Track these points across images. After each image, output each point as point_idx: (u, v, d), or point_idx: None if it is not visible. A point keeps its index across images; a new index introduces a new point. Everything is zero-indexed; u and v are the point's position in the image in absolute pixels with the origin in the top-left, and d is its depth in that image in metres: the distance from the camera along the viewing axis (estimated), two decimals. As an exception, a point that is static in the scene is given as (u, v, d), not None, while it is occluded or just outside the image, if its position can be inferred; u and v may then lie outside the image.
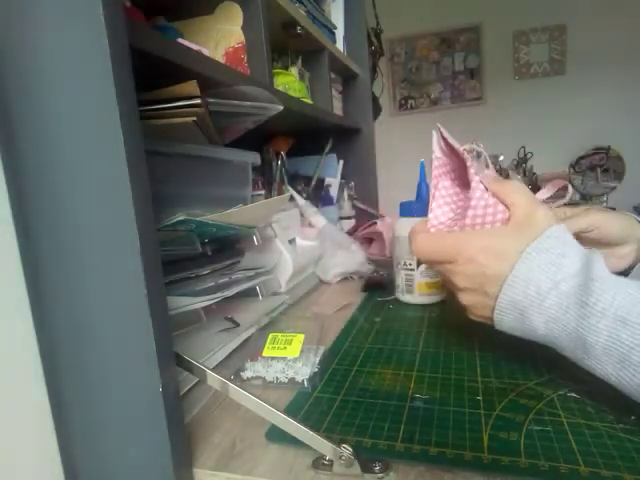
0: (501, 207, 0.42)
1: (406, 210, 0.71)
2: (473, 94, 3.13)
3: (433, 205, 0.45)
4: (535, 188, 2.87)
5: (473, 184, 0.42)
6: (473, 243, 0.40)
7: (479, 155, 0.55)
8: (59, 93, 0.30)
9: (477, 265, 0.40)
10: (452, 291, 0.45)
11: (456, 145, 0.45)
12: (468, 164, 0.42)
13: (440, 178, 0.46)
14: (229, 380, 0.36)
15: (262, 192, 0.86)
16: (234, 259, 0.64)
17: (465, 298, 0.43)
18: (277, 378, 0.47)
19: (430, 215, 0.45)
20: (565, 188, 0.53)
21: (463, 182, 0.46)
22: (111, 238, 0.31)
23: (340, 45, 1.17)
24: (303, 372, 0.47)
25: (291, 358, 0.49)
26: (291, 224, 0.83)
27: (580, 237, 0.47)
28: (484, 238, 0.40)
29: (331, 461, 0.33)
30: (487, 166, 0.55)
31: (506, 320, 0.39)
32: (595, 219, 0.49)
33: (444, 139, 0.47)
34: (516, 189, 0.41)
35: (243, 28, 0.69)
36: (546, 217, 0.39)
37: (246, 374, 0.48)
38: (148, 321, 0.31)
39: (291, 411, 0.41)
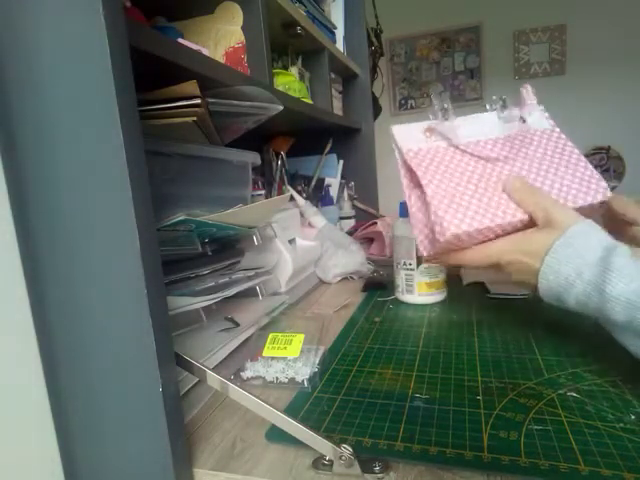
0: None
1: (406, 210, 0.71)
2: (473, 94, 3.14)
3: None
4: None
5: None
6: (508, 249, 0.45)
7: (444, 111, 0.54)
8: (59, 93, 0.30)
9: (518, 264, 0.45)
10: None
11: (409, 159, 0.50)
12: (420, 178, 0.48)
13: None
14: (229, 380, 0.36)
15: (262, 192, 0.86)
16: (234, 259, 0.64)
17: (516, 279, 0.47)
18: (277, 378, 0.47)
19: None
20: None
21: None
22: (111, 238, 0.31)
23: (340, 45, 1.17)
24: (303, 372, 0.47)
25: (291, 358, 0.49)
26: (291, 224, 0.83)
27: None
28: (515, 244, 0.45)
29: (331, 461, 0.33)
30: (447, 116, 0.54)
31: (546, 299, 0.44)
32: None
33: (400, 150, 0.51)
34: (535, 197, 0.45)
35: (243, 28, 0.69)
36: (567, 217, 0.43)
37: (246, 374, 0.48)
38: (148, 321, 0.31)
39: (291, 411, 0.41)
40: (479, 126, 0.54)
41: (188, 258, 0.56)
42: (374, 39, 1.44)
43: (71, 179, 0.31)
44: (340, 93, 1.23)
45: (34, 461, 0.37)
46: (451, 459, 0.33)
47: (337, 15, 1.17)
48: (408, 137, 0.53)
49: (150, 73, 0.44)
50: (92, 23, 0.28)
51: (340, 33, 1.17)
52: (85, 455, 0.37)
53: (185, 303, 0.48)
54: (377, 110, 1.47)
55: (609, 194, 0.48)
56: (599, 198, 0.47)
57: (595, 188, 0.48)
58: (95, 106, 0.30)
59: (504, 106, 0.55)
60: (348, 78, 1.27)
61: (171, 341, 0.35)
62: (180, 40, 0.53)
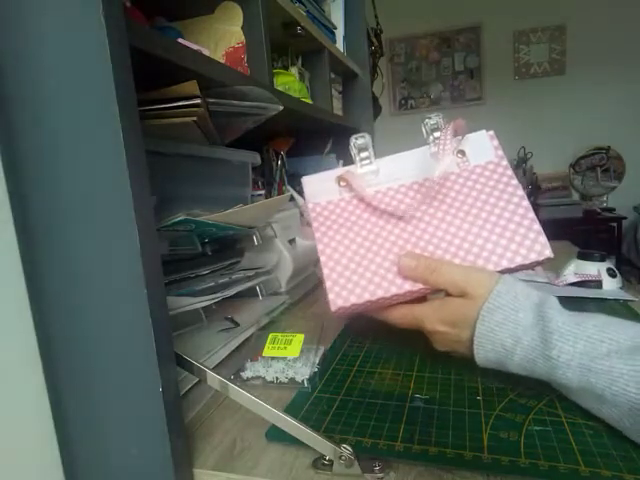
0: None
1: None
2: (473, 94, 3.14)
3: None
4: (535, 188, 2.88)
5: None
6: (429, 317, 0.43)
7: (434, 129, 0.49)
8: (59, 93, 0.30)
9: (441, 334, 0.43)
10: None
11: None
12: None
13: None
14: (229, 380, 0.36)
15: (262, 192, 0.86)
16: (234, 259, 0.64)
17: (441, 349, 0.45)
18: (277, 378, 0.47)
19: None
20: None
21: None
22: (111, 238, 0.31)
23: (340, 45, 1.17)
24: (303, 372, 0.47)
25: (291, 358, 0.49)
26: (291, 224, 0.83)
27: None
28: (435, 312, 0.42)
29: (331, 461, 0.33)
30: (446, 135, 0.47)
31: (485, 366, 0.41)
32: None
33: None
34: (437, 275, 0.42)
35: (243, 28, 0.69)
36: (482, 283, 0.40)
37: (246, 374, 0.48)
38: (148, 321, 0.31)
39: (291, 411, 0.41)
40: (403, 166, 0.50)
41: (188, 258, 0.56)
42: (374, 39, 1.44)
43: (71, 179, 0.31)
44: (340, 93, 1.23)
45: (34, 461, 0.37)
46: (451, 459, 0.33)
47: (337, 15, 1.17)
48: (319, 189, 0.50)
49: (150, 73, 0.44)
50: (92, 23, 0.28)
51: (340, 33, 1.17)
52: (85, 455, 0.37)
53: (185, 303, 0.48)
54: (377, 110, 1.47)
55: (547, 253, 0.42)
56: (531, 258, 0.42)
57: (529, 245, 0.42)
58: (95, 106, 0.30)
59: (436, 131, 0.49)
60: (348, 78, 1.27)
61: (171, 341, 0.35)
62: (180, 40, 0.53)
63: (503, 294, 0.39)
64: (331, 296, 0.44)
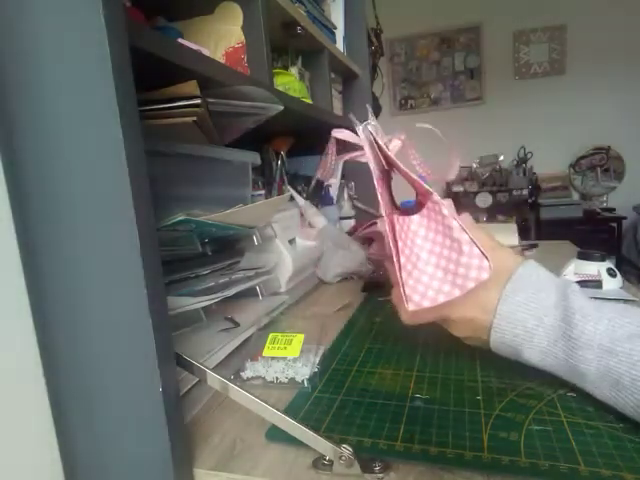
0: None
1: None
2: (473, 94, 3.14)
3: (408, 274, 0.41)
4: (535, 188, 2.88)
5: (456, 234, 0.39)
6: (455, 308, 0.42)
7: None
8: (59, 93, 0.30)
9: (466, 321, 0.42)
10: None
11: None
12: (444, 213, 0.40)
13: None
14: (229, 380, 0.36)
15: (262, 192, 0.86)
16: (234, 259, 0.64)
17: (463, 337, 0.45)
18: (277, 378, 0.47)
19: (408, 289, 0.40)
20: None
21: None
22: (111, 238, 0.31)
23: (340, 45, 1.17)
24: (303, 372, 0.47)
25: (291, 358, 0.49)
26: (291, 224, 0.83)
27: None
28: (463, 301, 0.40)
29: (331, 461, 0.33)
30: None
31: (503, 354, 0.42)
32: None
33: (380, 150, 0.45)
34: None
35: (243, 28, 0.69)
36: (511, 258, 0.41)
37: (246, 374, 0.48)
38: (148, 321, 0.31)
39: (291, 411, 0.41)
40: None
41: (188, 258, 0.56)
42: (374, 39, 1.44)
43: (71, 179, 0.31)
44: (340, 93, 1.23)
45: (34, 461, 0.37)
46: (451, 459, 0.33)
47: (337, 15, 1.17)
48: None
49: (150, 73, 0.44)
50: (92, 23, 0.28)
51: (340, 33, 1.17)
52: (85, 455, 0.37)
53: (185, 303, 0.48)
54: (377, 110, 1.47)
55: (484, 276, 0.38)
56: (468, 287, 0.38)
57: (464, 274, 0.38)
58: (95, 106, 0.30)
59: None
60: (348, 78, 1.27)
61: (171, 341, 0.35)
62: (180, 40, 0.53)
63: (526, 277, 0.39)
64: (416, 297, 0.40)
